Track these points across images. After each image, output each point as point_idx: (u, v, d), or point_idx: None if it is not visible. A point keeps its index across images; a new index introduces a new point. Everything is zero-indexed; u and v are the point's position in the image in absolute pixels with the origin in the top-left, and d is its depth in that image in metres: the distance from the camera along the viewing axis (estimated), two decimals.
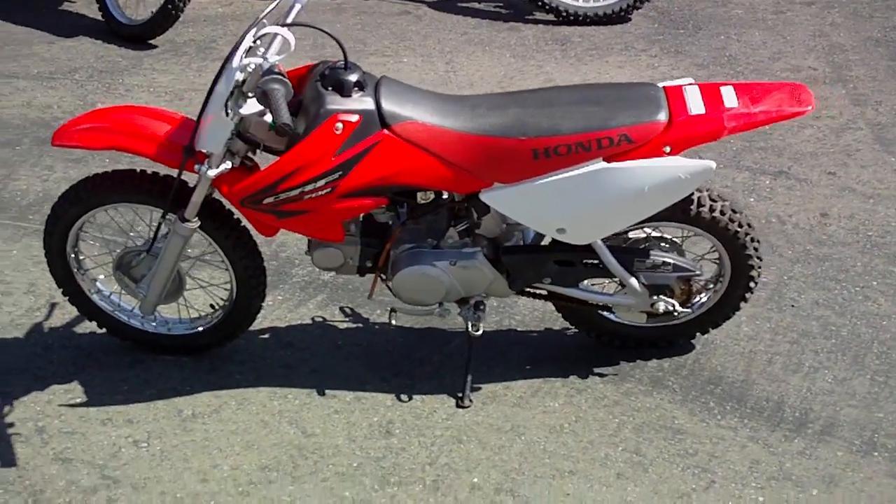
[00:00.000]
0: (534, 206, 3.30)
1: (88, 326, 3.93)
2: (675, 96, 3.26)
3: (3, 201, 4.82)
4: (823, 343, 3.85)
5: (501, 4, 7.06)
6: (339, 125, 3.14)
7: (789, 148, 5.20)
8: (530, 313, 3.99)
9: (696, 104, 3.22)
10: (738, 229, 3.48)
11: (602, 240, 3.44)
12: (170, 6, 6.37)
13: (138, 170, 3.53)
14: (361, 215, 3.49)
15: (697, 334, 3.79)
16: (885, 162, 5.07)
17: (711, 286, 3.69)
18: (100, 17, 6.76)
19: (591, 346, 3.81)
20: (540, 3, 6.76)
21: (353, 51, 6.23)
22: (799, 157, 5.12)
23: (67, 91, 5.89)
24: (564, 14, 6.73)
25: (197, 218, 3.42)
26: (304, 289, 4.16)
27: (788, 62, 6.15)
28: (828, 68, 6.06)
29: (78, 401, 3.61)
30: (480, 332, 3.53)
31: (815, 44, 6.40)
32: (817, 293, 4.12)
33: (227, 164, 3.28)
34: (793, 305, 4.05)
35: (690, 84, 3.32)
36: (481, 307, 3.56)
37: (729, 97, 3.23)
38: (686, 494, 3.23)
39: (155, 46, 6.44)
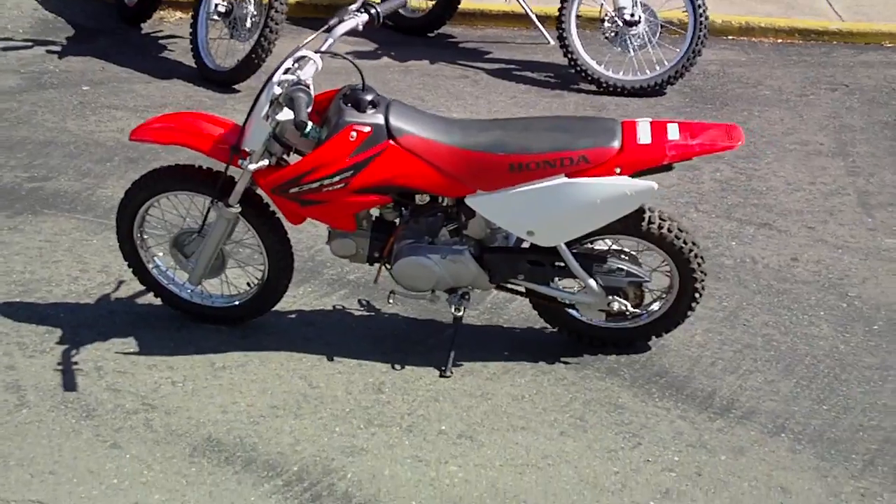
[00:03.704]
0: (508, 210, 4.05)
1: (147, 298, 4.74)
2: (629, 129, 4.00)
3: (92, 203, 5.69)
4: (763, 353, 4.52)
5: (552, 74, 7.85)
6: (354, 133, 3.94)
7: (779, 205, 5.88)
8: (517, 315, 4.71)
9: (644, 136, 3.96)
10: (683, 245, 4.19)
11: (568, 246, 4.16)
12: (253, 56, 7.26)
13: (196, 164, 4.35)
14: (373, 215, 4.26)
15: (653, 337, 4.47)
16: (861, 222, 5.72)
17: (664, 295, 4.38)
18: (193, 64, 7.68)
19: (562, 341, 4.51)
20: (584, 75, 7.54)
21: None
22: (786, 213, 5.79)
23: None
24: (605, 85, 7.50)
25: (239, 205, 4.22)
26: (331, 284, 4.94)
27: (799, 137, 6.84)
28: (833, 144, 6.73)
29: (131, 351, 4.41)
30: (462, 313, 4.27)
31: (828, 123, 7.08)
32: (769, 317, 4.78)
33: (265, 162, 4.08)
34: (744, 324, 4.72)
35: (645, 121, 4.05)
36: (466, 297, 4.30)
37: (673, 132, 3.97)
38: (614, 451, 3.92)
39: (238, 91, 7.32)
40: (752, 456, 3.90)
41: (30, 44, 8.13)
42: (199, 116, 4.26)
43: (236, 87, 7.37)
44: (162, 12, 8.82)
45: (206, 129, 4.18)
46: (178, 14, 8.86)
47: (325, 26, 4.12)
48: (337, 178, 3.97)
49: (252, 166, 4.03)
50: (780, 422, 4.09)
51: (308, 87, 3.83)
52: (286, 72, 3.94)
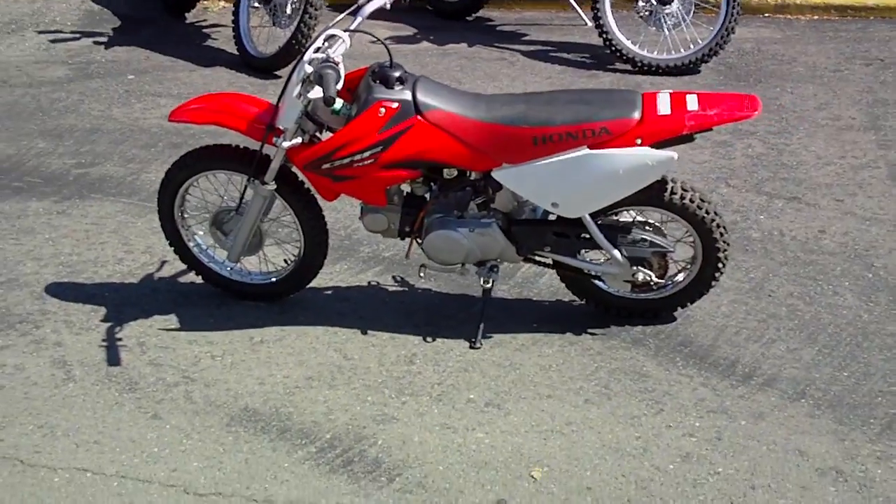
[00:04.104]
0: (533, 182, 4.16)
1: (188, 277, 4.90)
2: (649, 100, 4.10)
3: (136, 187, 5.88)
4: (787, 323, 4.60)
5: (588, 55, 7.95)
6: (383, 109, 4.07)
7: (809, 179, 5.95)
8: (546, 288, 4.83)
9: (664, 106, 4.06)
10: (706, 215, 4.28)
11: (593, 217, 4.27)
12: (294, 42, 7.43)
13: (232, 144, 4.50)
14: (404, 190, 4.39)
15: (678, 308, 4.57)
16: (891, 194, 5.78)
17: (688, 266, 4.48)
18: (235, 52, 7.86)
19: (589, 313, 4.62)
20: (619, 55, 7.64)
21: None
22: (815, 187, 5.87)
23: None
24: (640, 64, 7.59)
25: (274, 182, 4.37)
26: (366, 261, 5.08)
27: (831, 112, 6.89)
28: (865, 118, 6.78)
29: (172, 327, 4.57)
30: (491, 285, 4.39)
31: (861, 97, 7.12)
32: (794, 287, 4.87)
33: (299, 139, 4.22)
34: (770, 295, 4.81)
35: (665, 92, 4.15)
36: (495, 269, 4.42)
37: (692, 102, 4.06)
38: (637, 417, 4.03)
39: (279, 77, 7.49)
40: (772, 421, 4.00)
41: (77, 35, 8.35)
42: (236, 97, 4.41)
43: (277, 73, 7.53)
44: (206, 1, 9.01)
45: (242, 108, 4.33)
46: (221, 3, 9.06)
47: (354, 6, 4.25)
48: (367, 154, 4.11)
49: (286, 144, 4.17)
50: (800, 388, 4.18)
51: (337, 65, 3.96)
52: (317, 51, 4.08)
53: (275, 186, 4.36)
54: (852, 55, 7.88)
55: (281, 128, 4.20)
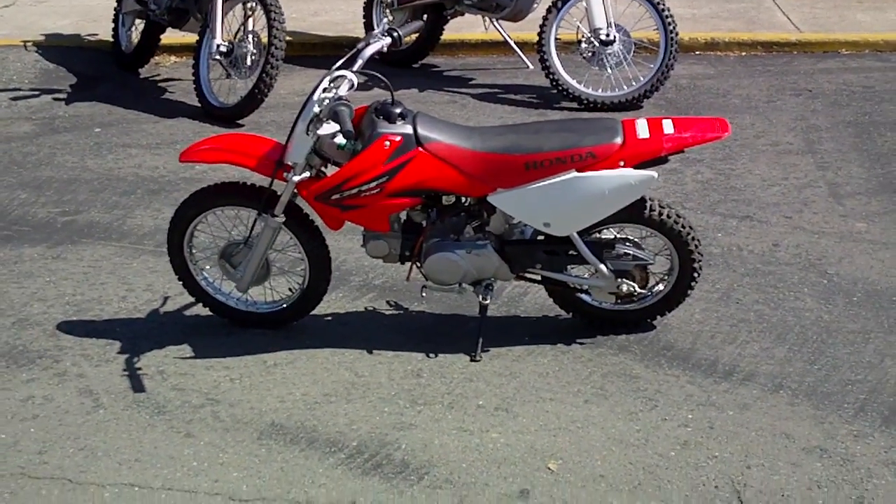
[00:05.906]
0: (526, 205, 4.54)
1: (194, 310, 5.20)
2: (629, 126, 4.51)
3: (125, 231, 6.16)
4: (756, 326, 5.02)
5: (534, 95, 8.39)
6: (387, 143, 4.43)
7: (758, 200, 6.42)
8: (532, 305, 5.21)
9: (643, 131, 4.47)
10: (682, 229, 4.69)
11: (579, 235, 4.66)
12: (256, 92, 7.77)
13: (240, 181, 4.83)
14: (402, 217, 4.74)
15: (657, 317, 4.97)
16: (834, 210, 6.26)
17: (666, 277, 4.89)
18: (194, 103, 8.17)
19: (575, 325, 5.00)
20: (565, 93, 8.08)
21: None
22: (764, 206, 6.33)
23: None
24: (586, 101, 8.05)
25: (283, 215, 4.70)
26: (359, 289, 5.42)
27: (770, 139, 7.39)
28: (802, 143, 7.29)
29: (188, 355, 4.86)
30: (488, 301, 4.75)
31: (796, 125, 7.63)
32: (758, 295, 5.30)
33: (307, 174, 4.56)
34: (737, 302, 5.23)
35: (642, 119, 4.57)
36: (490, 287, 4.78)
37: (667, 126, 4.48)
38: (634, 413, 4.41)
39: (242, 125, 7.81)
40: (757, 410, 4.40)
41: (36, 93, 8.61)
42: (243, 137, 4.75)
43: (240, 122, 7.84)
44: (157, 57, 9.33)
45: (250, 147, 4.66)
46: (173, 58, 9.37)
47: (354, 49, 4.62)
48: (374, 184, 4.46)
49: (296, 178, 4.51)
50: (777, 381, 4.59)
51: (349, 102, 4.32)
52: (324, 91, 4.43)
53: (284, 219, 4.68)
54: (782, 87, 8.41)
55: (290, 163, 4.53)
